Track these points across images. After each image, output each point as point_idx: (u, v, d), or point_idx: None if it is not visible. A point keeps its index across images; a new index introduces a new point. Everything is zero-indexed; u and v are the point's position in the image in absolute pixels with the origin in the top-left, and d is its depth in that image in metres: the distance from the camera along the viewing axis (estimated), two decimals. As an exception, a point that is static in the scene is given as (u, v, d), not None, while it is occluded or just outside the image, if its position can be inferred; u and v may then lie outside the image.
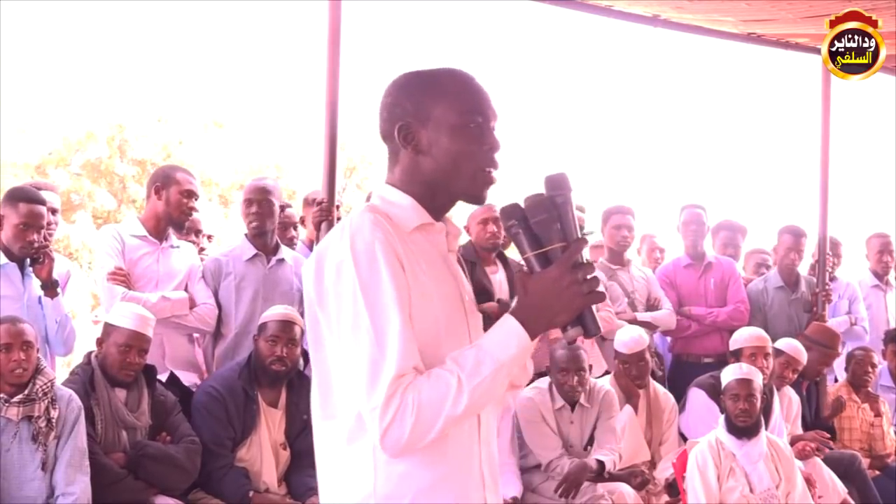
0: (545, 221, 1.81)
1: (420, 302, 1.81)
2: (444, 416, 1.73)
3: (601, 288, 1.80)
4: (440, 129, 1.89)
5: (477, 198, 1.94)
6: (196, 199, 4.72)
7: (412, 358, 1.75)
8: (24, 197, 4.33)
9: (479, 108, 1.91)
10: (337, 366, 1.82)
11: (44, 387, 3.86)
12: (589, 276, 1.77)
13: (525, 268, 1.85)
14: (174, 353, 4.64)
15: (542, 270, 1.79)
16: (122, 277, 4.48)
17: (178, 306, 4.56)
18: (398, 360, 1.73)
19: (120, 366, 4.13)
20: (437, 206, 1.93)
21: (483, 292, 5.14)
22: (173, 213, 4.65)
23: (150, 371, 4.28)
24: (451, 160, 1.89)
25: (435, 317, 1.83)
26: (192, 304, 4.66)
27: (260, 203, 4.84)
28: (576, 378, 4.88)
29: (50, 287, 4.33)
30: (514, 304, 1.82)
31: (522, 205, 1.85)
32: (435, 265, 1.89)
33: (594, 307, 1.81)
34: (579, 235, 1.83)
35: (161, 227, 4.68)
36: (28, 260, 4.32)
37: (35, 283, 4.34)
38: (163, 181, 4.70)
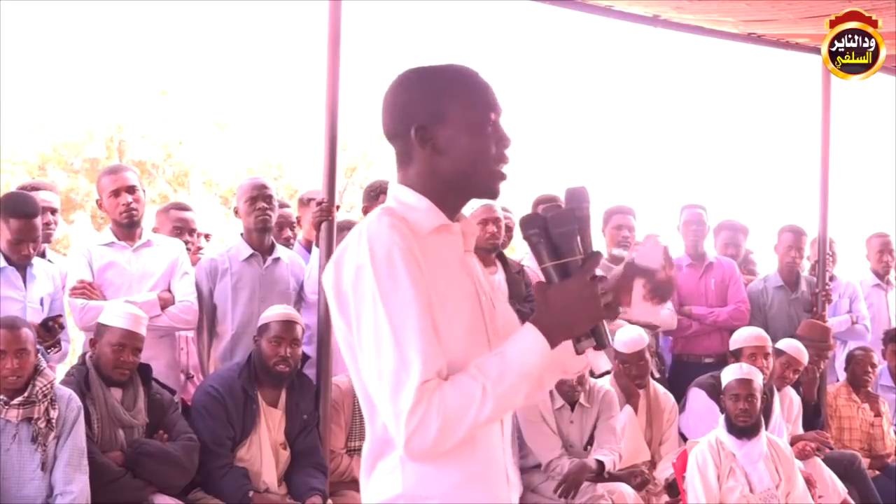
0: (566, 234, 1.82)
1: (439, 306, 1.80)
2: (469, 423, 1.74)
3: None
4: (458, 129, 1.87)
5: (493, 195, 1.94)
6: (131, 192, 4.56)
7: (436, 363, 1.75)
8: (14, 212, 4.21)
9: (492, 105, 1.90)
10: (364, 371, 1.81)
11: (43, 388, 3.85)
12: (603, 291, 1.80)
13: (542, 277, 1.85)
14: (147, 354, 4.46)
15: (562, 281, 1.81)
16: (81, 290, 4.43)
17: (146, 308, 4.39)
18: (422, 365, 1.73)
19: (114, 365, 4.13)
20: (452, 205, 1.92)
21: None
22: (112, 216, 4.61)
23: (145, 370, 4.28)
24: (470, 159, 1.88)
25: (454, 320, 1.82)
26: (169, 303, 4.57)
27: (264, 199, 4.83)
28: (575, 378, 4.87)
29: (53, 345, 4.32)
30: (534, 313, 1.83)
31: (542, 214, 1.86)
32: (452, 267, 1.88)
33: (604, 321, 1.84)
34: (594, 249, 1.85)
35: (122, 232, 4.62)
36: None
37: (37, 284, 4.35)
38: (98, 190, 4.71)
